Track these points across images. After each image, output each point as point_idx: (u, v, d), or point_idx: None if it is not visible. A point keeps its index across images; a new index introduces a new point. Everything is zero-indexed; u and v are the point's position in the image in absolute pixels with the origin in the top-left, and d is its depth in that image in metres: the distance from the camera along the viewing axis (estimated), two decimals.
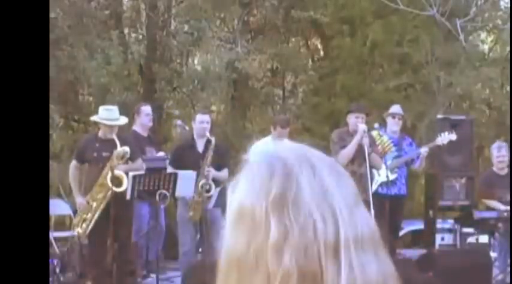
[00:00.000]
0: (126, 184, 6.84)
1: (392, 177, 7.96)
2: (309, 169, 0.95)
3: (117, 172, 6.88)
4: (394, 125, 8.18)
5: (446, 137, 8.02)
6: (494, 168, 8.16)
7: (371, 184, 7.30)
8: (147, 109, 8.27)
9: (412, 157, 8.12)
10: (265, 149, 0.99)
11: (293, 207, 0.91)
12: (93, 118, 7.37)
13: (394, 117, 8.22)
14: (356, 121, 7.51)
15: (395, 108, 8.33)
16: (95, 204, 7.04)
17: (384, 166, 7.84)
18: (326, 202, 0.93)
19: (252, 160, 0.99)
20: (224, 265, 0.95)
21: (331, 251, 0.91)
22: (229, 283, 0.94)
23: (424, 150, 8.04)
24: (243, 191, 0.95)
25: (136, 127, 8.17)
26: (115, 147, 6.91)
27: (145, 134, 8.20)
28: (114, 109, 7.23)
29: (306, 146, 1.00)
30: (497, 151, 8.13)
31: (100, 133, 7.19)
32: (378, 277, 0.94)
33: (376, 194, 7.46)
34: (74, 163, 7.34)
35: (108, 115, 7.10)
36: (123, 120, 7.29)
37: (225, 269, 0.94)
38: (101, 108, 7.27)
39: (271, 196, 0.92)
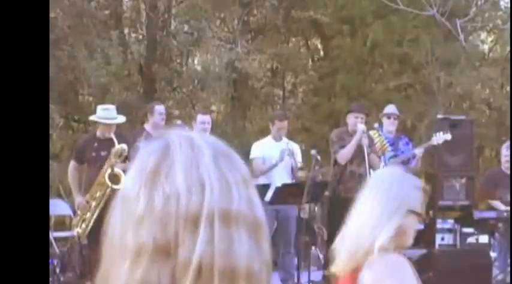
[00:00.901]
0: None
1: None
2: (188, 147, 0.94)
3: (115, 169, 6.89)
4: (389, 125, 8.16)
5: (441, 137, 8.00)
6: (503, 167, 8.15)
7: None
8: (160, 108, 8.25)
9: (407, 157, 8.11)
10: (156, 135, 0.99)
11: (165, 181, 0.91)
12: (91, 117, 7.40)
13: (389, 118, 8.21)
14: (355, 122, 7.51)
15: (390, 109, 8.31)
16: (94, 203, 7.06)
17: (380, 166, 7.83)
18: (197, 176, 0.91)
19: (142, 145, 0.98)
20: (105, 252, 0.94)
21: (190, 224, 0.89)
22: (100, 270, 0.93)
23: (418, 151, 8.03)
24: (130, 173, 0.95)
25: (147, 127, 8.15)
26: (113, 145, 6.93)
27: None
28: (112, 108, 7.25)
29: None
30: (506, 151, 8.11)
31: (98, 133, 7.22)
32: (248, 258, 0.91)
33: None
34: (73, 163, 7.36)
35: (106, 114, 7.13)
36: (121, 119, 7.32)
37: (104, 255, 0.94)
38: (99, 108, 7.30)
39: (146, 173, 0.92)
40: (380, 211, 2.36)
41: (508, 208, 7.59)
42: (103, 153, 7.06)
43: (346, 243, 2.42)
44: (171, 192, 0.90)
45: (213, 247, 0.89)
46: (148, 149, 0.95)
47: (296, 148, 7.69)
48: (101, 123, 7.15)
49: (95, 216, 7.07)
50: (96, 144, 7.16)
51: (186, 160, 0.92)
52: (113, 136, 6.98)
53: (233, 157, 0.98)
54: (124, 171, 6.94)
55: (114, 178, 6.89)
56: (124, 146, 6.97)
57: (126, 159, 7.13)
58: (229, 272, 0.89)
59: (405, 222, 2.40)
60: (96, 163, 7.08)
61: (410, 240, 2.45)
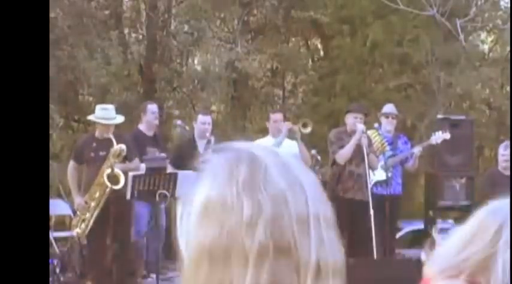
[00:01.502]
0: (123, 182, 6.85)
1: (387, 176, 7.93)
2: (272, 155, 0.98)
3: (114, 170, 6.89)
4: (387, 125, 8.16)
5: (440, 136, 7.99)
6: (499, 167, 8.14)
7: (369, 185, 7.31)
8: (153, 107, 8.26)
9: (406, 156, 8.10)
10: (224, 147, 1.02)
11: (264, 185, 0.94)
12: (90, 117, 7.39)
13: (387, 117, 8.20)
14: (354, 122, 7.51)
15: (388, 108, 8.30)
16: (93, 203, 7.06)
17: (379, 166, 7.83)
18: (294, 179, 0.96)
19: (213, 157, 1.01)
20: (192, 260, 0.95)
21: (302, 224, 0.93)
22: (200, 275, 0.94)
23: (417, 150, 8.02)
24: (207, 185, 0.97)
25: (141, 126, 8.16)
26: (112, 146, 6.92)
27: (150, 133, 8.17)
28: (111, 108, 7.24)
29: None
30: (503, 150, 8.11)
31: (97, 133, 7.21)
32: (342, 257, 0.96)
33: (371, 194, 7.45)
34: (72, 163, 7.35)
35: (105, 114, 7.11)
36: (120, 119, 7.30)
37: (194, 263, 0.95)
38: (98, 107, 7.29)
39: (240, 180, 0.94)
40: None
41: None
42: (102, 153, 7.05)
43: None
44: (276, 195, 0.93)
45: (323, 247, 0.94)
46: (232, 159, 0.97)
47: (294, 146, 7.67)
48: (99, 123, 7.14)
49: (94, 216, 7.06)
50: (94, 144, 7.15)
51: (279, 165, 0.96)
52: (111, 136, 6.97)
53: (304, 166, 1.04)
54: (123, 172, 6.94)
55: (114, 179, 6.88)
56: (123, 146, 6.97)
57: (125, 159, 7.13)
58: (339, 269, 0.95)
59: None
60: (95, 164, 7.07)
61: None
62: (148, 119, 8.14)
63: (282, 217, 0.92)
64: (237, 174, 0.95)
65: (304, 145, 7.64)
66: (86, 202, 7.09)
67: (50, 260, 6.78)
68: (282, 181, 0.94)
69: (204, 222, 0.95)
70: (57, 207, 8.32)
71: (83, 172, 7.48)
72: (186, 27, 11.86)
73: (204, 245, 0.94)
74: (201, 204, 0.96)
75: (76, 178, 7.34)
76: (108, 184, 6.87)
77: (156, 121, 8.26)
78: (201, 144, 7.59)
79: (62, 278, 7.44)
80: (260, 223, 0.92)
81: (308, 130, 7.49)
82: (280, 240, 0.92)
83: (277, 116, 7.91)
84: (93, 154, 7.13)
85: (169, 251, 8.43)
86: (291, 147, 7.60)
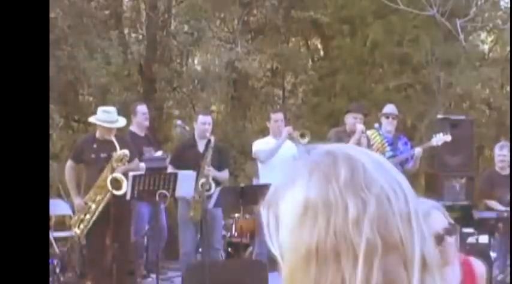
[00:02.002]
0: (125, 187, 6.84)
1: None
2: (366, 155, 1.00)
3: (117, 175, 6.87)
4: (388, 125, 8.14)
5: (441, 138, 7.98)
6: (496, 168, 8.15)
7: None
8: (142, 108, 8.28)
9: (406, 157, 8.10)
10: (313, 148, 1.03)
11: (365, 183, 0.95)
12: (91, 119, 7.34)
13: (387, 117, 8.19)
14: (354, 122, 7.51)
15: (389, 108, 8.29)
16: (93, 206, 7.03)
17: None
18: (391, 177, 0.98)
19: (302, 157, 1.02)
20: (299, 261, 0.96)
21: (405, 221, 0.95)
22: (309, 275, 0.95)
23: (417, 151, 8.00)
24: (304, 186, 0.97)
25: (133, 128, 8.17)
26: (114, 148, 6.88)
27: (142, 134, 8.19)
28: (113, 111, 7.19)
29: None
30: (498, 150, 8.13)
31: (98, 134, 7.16)
32: (438, 253, 1.00)
33: None
34: (70, 163, 7.29)
35: (107, 117, 7.06)
36: (122, 122, 7.25)
37: (301, 264, 0.95)
38: (99, 110, 7.22)
39: (341, 180, 0.96)
40: None
41: (506, 208, 7.60)
42: (103, 155, 7.03)
43: None
44: (380, 194, 0.95)
45: (426, 241, 0.96)
46: (328, 159, 0.98)
47: (294, 147, 7.68)
48: (100, 126, 7.10)
49: (94, 218, 7.05)
50: (95, 145, 7.11)
51: (375, 165, 0.98)
52: (113, 139, 6.93)
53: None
54: (124, 173, 6.93)
55: (116, 184, 6.87)
56: (126, 151, 6.93)
57: (126, 162, 7.12)
58: (440, 264, 0.98)
59: None
60: (96, 165, 7.05)
61: None
62: (139, 120, 8.16)
63: (387, 215, 0.94)
64: (337, 174, 0.96)
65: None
66: (85, 203, 7.07)
67: (50, 260, 6.78)
68: (382, 180, 0.96)
69: (306, 222, 0.95)
70: (57, 207, 8.31)
71: (81, 172, 7.47)
72: (186, 27, 11.86)
73: (310, 244, 0.94)
74: (299, 204, 0.96)
75: (74, 178, 7.30)
76: (110, 189, 6.86)
77: (147, 122, 8.26)
78: (201, 144, 7.59)
79: (62, 278, 7.45)
80: (366, 221, 0.93)
81: (305, 140, 7.49)
82: (388, 237, 0.93)
83: (278, 116, 7.92)
84: (93, 155, 7.09)
85: (169, 251, 8.44)
86: (290, 148, 7.61)
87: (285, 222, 0.97)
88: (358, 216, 0.93)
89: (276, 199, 1.00)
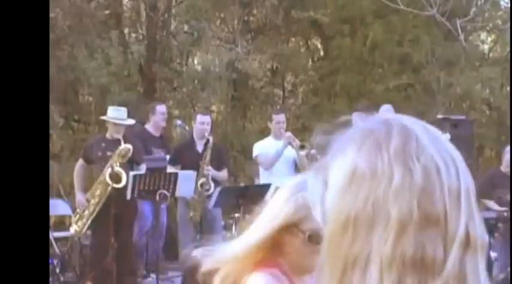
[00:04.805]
0: (125, 180, 6.86)
1: None
2: (421, 127, 0.97)
3: (116, 168, 6.90)
4: None
5: None
6: (501, 168, 8.14)
7: None
8: (162, 108, 8.28)
9: None
10: (368, 117, 1.02)
11: (416, 154, 0.93)
12: (102, 117, 7.46)
13: None
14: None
15: (383, 110, 8.26)
16: (93, 201, 7.09)
17: None
18: (445, 151, 0.95)
19: (356, 125, 1.00)
20: (335, 228, 0.94)
21: (453, 197, 0.92)
22: (344, 243, 0.93)
23: None
24: (353, 152, 0.95)
25: (149, 127, 8.15)
26: (120, 145, 6.97)
27: (157, 134, 8.17)
28: (123, 110, 7.34)
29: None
30: (508, 155, 8.08)
31: (108, 134, 7.29)
32: (486, 234, 0.96)
33: None
34: (80, 162, 7.44)
35: (118, 115, 7.21)
36: (131, 121, 7.36)
37: (339, 231, 0.94)
38: (110, 108, 7.37)
39: (392, 149, 0.93)
40: None
41: (505, 208, 7.59)
42: (109, 153, 7.10)
43: None
44: (429, 165, 0.92)
45: (474, 220, 0.93)
46: (381, 128, 0.96)
47: (293, 150, 7.68)
48: (110, 123, 7.21)
49: (93, 214, 7.09)
50: (104, 144, 7.22)
51: (430, 137, 0.95)
52: (120, 137, 7.03)
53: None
54: (125, 171, 6.95)
55: (115, 177, 6.89)
56: (129, 146, 6.99)
57: (131, 161, 7.15)
58: (486, 245, 0.94)
59: None
60: (101, 163, 7.13)
61: None
62: (157, 120, 8.14)
63: (434, 188, 0.91)
64: (388, 142, 0.94)
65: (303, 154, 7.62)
66: (87, 200, 7.13)
67: (50, 260, 6.78)
68: (435, 153, 0.93)
69: (351, 190, 0.93)
70: (57, 207, 8.32)
71: (87, 171, 7.52)
72: (186, 27, 11.87)
73: (350, 212, 0.92)
74: (348, 171, 0.94)
75: (82, 177, 7.42)
76: (110, 182, 6.88)
77: (164, 123, 8.27)
78: (199, 144, 7.59)
79: (62, 278, 7.44)
80: (409, 192, 0.91)
81: (304, 152, 7.49)
82: (430, 210, 0.91)
83: (280, 117, 7.90)
84: (100, 153, 7.19)
85: (169, 251, 8.44)
86: (290, 151, 7.60)
87: (331, 188, 0.96)
88: (402, 186, 0.91)
89: (326, 165, 0.98)
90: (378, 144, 0.94)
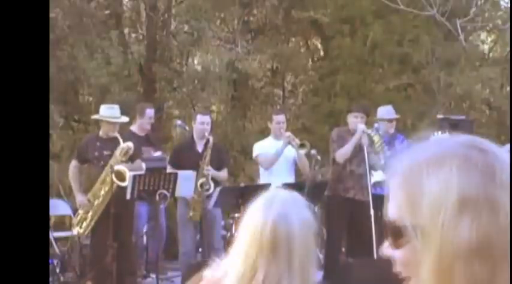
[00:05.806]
0: (128, 179, 6.85)
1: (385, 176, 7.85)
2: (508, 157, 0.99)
3: (119, 167, 6.89)
4: (390, 128, 8.14)
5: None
6: None
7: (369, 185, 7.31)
8: (151, 112, 8.23)
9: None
10: (466, 142, 1.01)
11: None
12: (95, 116, 7.41)
13: (391, 121, 8.17)
14: (355, 121, 7.51)
15: (388, 113, 8.24)
16: (97, 201, 7.06)
17: (380, 166, 7.80)
18: None
19: (453, 145, 1.00)
20: (456, 257, 0.93)
21: None
22: (469, 272, 0.93)
23: None
24: (459, 179, 0.95)
25: (134, 128, 8.14)
26: (118, 144, 6.95)
27: (142, 134, 8.17)
28: (116, 107, 7.29)
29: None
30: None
31: (101, 133, 7.22)
32: None
33: (371, 194, 7.43)
34: (74, 163, 7.36)
35: (111, 113, 7.16)
36: (125, 119, 7.34)
37: (460, 260, 0.93)
38: (103, 107, 7.32)
39: (499, 179, 0.94)
40: None
41: None
42: (106, 152, 7.07)
43: None
44: None
45: None
46: (483, 157, 0.97)
47: (293, 150, 7.67)
48: (104, 122, 7.17)
49: (98, 215, 7.07)
50: (98, 144, 7.17)
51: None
52: (117, 135, 7.01)
53: None
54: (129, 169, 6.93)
55: (119, 176, 6.88)
56: (130, 144, 6.98)
57: (130, 159, 7.13)
58: None
59: None
60: (99, 163, 7.09)
61: None
62: (143, 122, 8.12)
63: None
64: (496, 172, 0.95)
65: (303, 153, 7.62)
66: (89, 200, 7.10)
67: (50, 260, 6.78)
68: None
69: (466, 217, 0.93)
70: (57, 207, 8.32)
71: (83, 172, 7.49)
72: (186, 27, 11.87)
73: (471, 240, 0.92)
74: (458, 199, 0.94)
75: (78, 177, 7.38)
76: (115, 180, 6.86)
77: (149, 126, 8.23)
78: (199, 144, 7.59)
79: (62, 278, 7.45)
80: None
81: (304, 151, 7.48)
82: None
83: (280, 118, 7.89)
84: (97, 153, 7.15)
85: (169, 251, 8.44)
86: (290, 150, 7.60)
87: (431, 209, 0.94)
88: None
89: (416, 176, 0.97)
90: (486, 173, 0.95)
